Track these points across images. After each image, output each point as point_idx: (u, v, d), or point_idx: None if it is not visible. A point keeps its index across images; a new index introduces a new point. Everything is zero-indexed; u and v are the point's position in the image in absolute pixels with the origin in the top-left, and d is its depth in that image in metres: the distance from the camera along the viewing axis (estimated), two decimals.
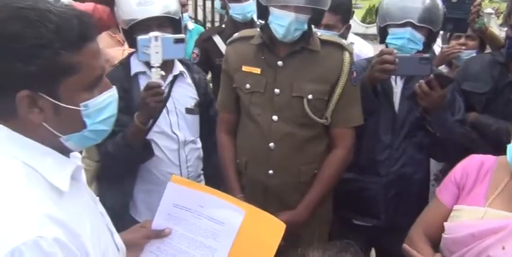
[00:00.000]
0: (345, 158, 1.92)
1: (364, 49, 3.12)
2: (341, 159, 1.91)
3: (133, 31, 1.98)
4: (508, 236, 1.25)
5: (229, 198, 1.31)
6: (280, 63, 1.83)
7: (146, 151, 1.99)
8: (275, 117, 1.85)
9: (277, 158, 1.87)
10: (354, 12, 2.93)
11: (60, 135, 0.94)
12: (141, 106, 1.86)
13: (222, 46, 2.86)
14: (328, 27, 2.42)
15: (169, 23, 1.99)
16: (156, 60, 1.82)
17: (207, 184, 2.22)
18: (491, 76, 2.18)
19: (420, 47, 1.98)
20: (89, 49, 0.92)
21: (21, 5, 0.87)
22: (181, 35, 1.89)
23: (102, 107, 0.98)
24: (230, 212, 1.24)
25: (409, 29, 1.95)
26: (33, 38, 0.86)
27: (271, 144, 1.85)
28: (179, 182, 1.35)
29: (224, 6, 3.60)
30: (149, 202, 2.07)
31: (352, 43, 2.86)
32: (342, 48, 1.86)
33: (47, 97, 0.90)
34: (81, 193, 1.02)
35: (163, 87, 1.94)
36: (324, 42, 1.86)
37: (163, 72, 1.86)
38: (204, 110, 2.16)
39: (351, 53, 1.86)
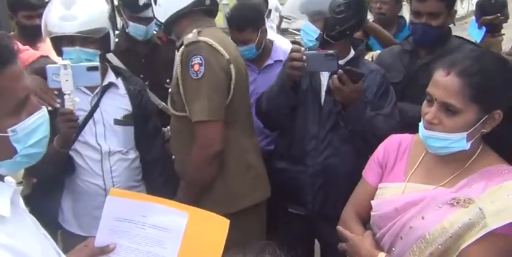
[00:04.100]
0: (196, 152, 1.90)
1: (283, 44, 3.15)
2: (193, 154, 1.91)
3: (58, 43, 1.97)
4: (426, 207, 1.33)
5: (170, 203, 1.31)
6: None
7: (66, 167, 2.00)
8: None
9: (171, 144, 2.07)
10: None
11: None
12: (59, 131, 1.86)
13: (115, 61, 2.69)
14: None
15: (96, 39, 1.97)
16: (66, 88, 1.81)
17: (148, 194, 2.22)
18: (403, 65, 2.29)
19: (313, 38, 2.01)
20: (9, 72, 0.90)
21: None
22: (95, 63, 1.88)
23: (32, 130, 0.95)
24: (173, 217, 1.23)
25: (305, 21, 2.02)
26: None
27: (170, 133, 2.05)
28: (118, 195, 1.34)
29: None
30: (75, 210, 2.10)
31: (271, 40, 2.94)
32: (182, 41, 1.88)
33: None
34: (22, 217, 0.99)
35: (91, 97, 2.03)
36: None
37: (77, 99, 1.86)
38: (140, 122, 2.15)
39: (186, 45, 1.84)
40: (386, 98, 2.06)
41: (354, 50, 2.13)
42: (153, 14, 2.03)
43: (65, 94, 1.82)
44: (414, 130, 1.78)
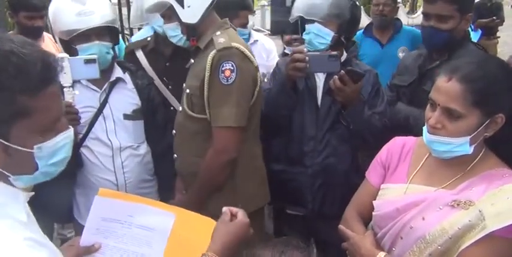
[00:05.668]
0: (212, 158, 1.88)
1: (267, 44, 3.19)
2: (208, 158, 1.89)
3: (72, 41, 1.97)
4: (427, 207, 1.35)
5: (158, 204, 1.32)
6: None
7: (75, 162, 2.00)
8: (180, 108, 2.01)
9: (176, 144, 2.04)
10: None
11: (9, 175, 0.91)
12: None
13: (144, 61, 2.65)
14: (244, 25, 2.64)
15: (108, 32, 2.01)
16: (65, 81, 1.84)
17: (160, 188, 2.25)
18: (417, 68, 2.21)
19: (328, 41, 2.02)
20: (48, 93, 0.89)
21: None
22: (93, 56, 1.90)
23: (57, 149, 0.96)
24: (160, 218, 1.25)
25: (316, 24, 2.02)
26: None
27: (174, 131, 2.06)
28: (106, 195, 1.35)
29: None
30: (88, 205, 2.09)
31: (256, 40, 2.98)
32: (213, 45, 1.87)
33: None
34: (33, 222, 1.00)
35: (99, 93, 2.05)
36: (210, 40, 1.90)
37: (76, 92, 1.88)
38: (149, 115, 2.17)
39: (219, 50, 1.82)
40: (378, 97, 2.10)
41: (346, 52, 2.16)
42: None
43: (64, 87, 1.84)
44: (402, 130, 1.78)
